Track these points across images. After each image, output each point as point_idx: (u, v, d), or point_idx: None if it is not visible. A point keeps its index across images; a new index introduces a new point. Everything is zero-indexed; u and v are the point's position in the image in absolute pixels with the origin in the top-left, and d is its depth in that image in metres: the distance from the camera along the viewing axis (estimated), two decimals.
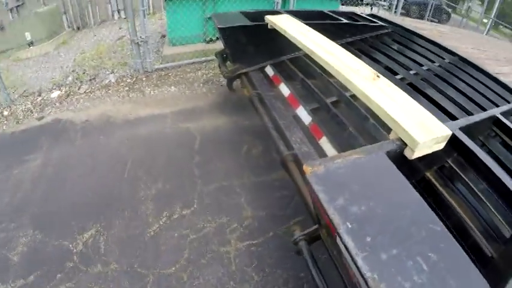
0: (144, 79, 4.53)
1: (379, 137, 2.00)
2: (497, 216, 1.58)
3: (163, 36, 5.83)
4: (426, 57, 3.27)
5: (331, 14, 3.74)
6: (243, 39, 3.06)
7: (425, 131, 1.52)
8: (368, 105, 1.70)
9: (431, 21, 11.13)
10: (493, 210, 1.59)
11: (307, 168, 1.18)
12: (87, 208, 2.65)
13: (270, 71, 3.10)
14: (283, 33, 2.63)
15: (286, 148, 2.21)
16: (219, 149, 3.29)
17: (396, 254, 0.96)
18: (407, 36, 3.68)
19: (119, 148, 3.25)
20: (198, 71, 4.83)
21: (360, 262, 0.92)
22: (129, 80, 4.50)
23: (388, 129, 1.65)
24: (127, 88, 4.33)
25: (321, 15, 3.78)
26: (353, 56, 2.16)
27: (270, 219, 2.66)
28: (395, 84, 1.84)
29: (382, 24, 3.68)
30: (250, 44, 3.10)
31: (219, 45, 5.19)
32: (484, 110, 2.65)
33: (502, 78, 3.18)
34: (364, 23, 3.50)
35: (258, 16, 3.25)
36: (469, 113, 2.57)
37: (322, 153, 2.20)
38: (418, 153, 1.48)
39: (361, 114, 2.37)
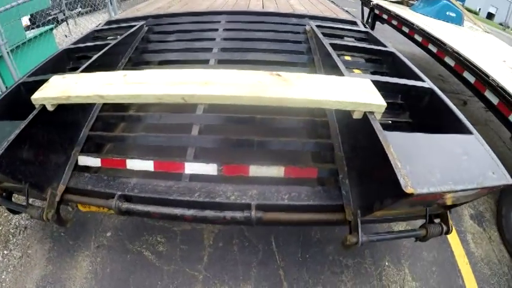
0: None
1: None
2: None
3: None
4: (208, 30, 3.14)
5: (79, 46, 2.83)
6: (33, 148, 1.78)
7: (373, 94, 1.58)
8: (321, 107, 1.51)
9: None
10: None
11: (410, 188, 1.20)
12: None
13: (87, 160, 2.07)
14: (84, 101, 1.72)
15: (242, 210, 1.67)
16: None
17: None
18: (164, 22, 3.38)
19: None
20: None
21: None
22: None
23: None
24: None
25: (68, 52, 2.80)
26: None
27: None
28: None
29: (135, 24, 3.14)
30: (45, 146, 1.90)
31: None
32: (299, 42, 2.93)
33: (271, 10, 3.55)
34: (126, 34, 2.85)
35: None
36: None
37: (267, 180, 1.83)
38: None
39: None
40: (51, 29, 4.52)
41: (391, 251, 2.60)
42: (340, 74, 1.98)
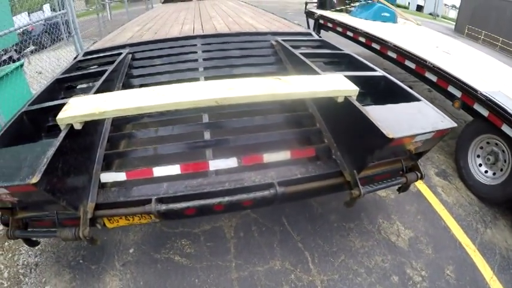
0: None
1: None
2: None
3: None
4: (188, 52, 3.49)
5: (71, 75, 3.00)
6: (64, 167, 1.82)
7: (347, 83, 2.13)
8: (316, 96, 2.09)
9: None
10: None
11: (391, 134, 1.71)
12: None
13: (111, 176, 2.22)
14: (120, 114, 1.91)
15: (267, 189, 2.01)
16: None
17: None
18: (144, 49, 3.66)
19: None
20: None
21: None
22: None
23: None
24: None
25: (58, 82, 2.93)
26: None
27: None
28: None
29: (120, 52, 3.39)
30: (72, 165, 1.94)
31: None
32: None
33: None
34: (117, 61, 3.07)
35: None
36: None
37: (279, 163, 2.22)
38: None
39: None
40: (21, 66, 4.39)
41: (381, 211, 3.10)
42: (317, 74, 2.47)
